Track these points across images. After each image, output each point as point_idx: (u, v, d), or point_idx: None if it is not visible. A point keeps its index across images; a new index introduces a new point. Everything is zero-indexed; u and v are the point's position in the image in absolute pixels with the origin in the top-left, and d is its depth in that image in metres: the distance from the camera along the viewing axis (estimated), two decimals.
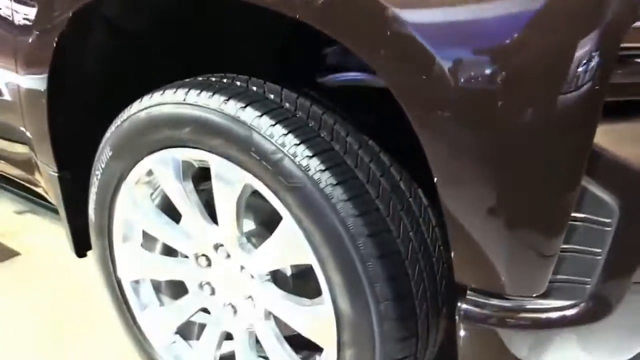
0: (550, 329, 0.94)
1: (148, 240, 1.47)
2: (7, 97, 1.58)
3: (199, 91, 1.14)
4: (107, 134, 1.35)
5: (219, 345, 1.39)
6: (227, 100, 1.10)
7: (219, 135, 1.11)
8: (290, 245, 1.10)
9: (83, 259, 1.68)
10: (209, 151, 1.15)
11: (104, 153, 1.35)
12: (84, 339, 1.79)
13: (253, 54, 1.51)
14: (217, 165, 1.15)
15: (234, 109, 1.09)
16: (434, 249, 1.12)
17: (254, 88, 1.13)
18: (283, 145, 1.04)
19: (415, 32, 0.80)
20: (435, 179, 0.86)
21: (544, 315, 0.93)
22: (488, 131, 0.81)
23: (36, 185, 1.78)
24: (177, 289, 1.53)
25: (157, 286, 1.51)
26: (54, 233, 2.19)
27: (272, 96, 1.11)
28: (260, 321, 1.28)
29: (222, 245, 1.28)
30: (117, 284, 1.50)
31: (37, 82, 1.42)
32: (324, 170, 1.03)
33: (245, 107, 1.08)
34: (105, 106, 1.38)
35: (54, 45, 1.31)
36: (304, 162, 1.03)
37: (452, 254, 0.91)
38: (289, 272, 1.29)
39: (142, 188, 1.36)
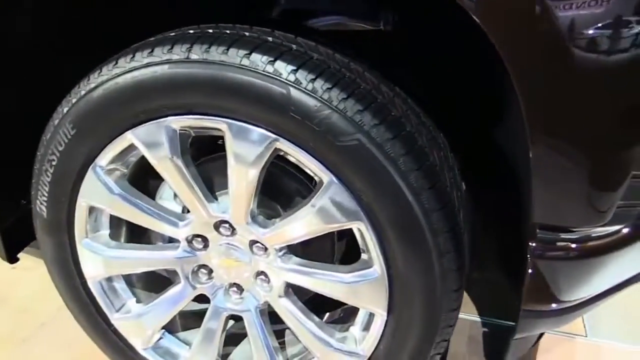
0: (606, 254, 0.99)
1: (114, 229, 1.25)
2: None
3: (206, 45, 0.96)
4: (63, 110, 1.09)
5: (224, 330, 1.25)
6: (249, 53, 0.95)
7: (240, 96, 0.95)
8: (333, 210, 1.01)
9: None
10: (224, 116, 0.98)
11: (59, 133, 1.10)
12: None
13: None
14: (237, 131, 0.99)
15: (261, 64, 0.94)
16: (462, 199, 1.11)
17: (270, 38, 0.99)
18: (330, 100, 0.93)
19: None
20: (528, 126, 0.83)
21: (602, 241, 0.97)
22: (583, 85, 0.80)
23: None
24: (154, 281, 1.35)
25: (129, 281, 1.31)
26: None
27: (294, 46, 0.98)
28: (277, 297, 1.17)
29: (225, 222, 1.13)
30: (81, 286, 1.26)
31: None
32: (378, 125, 0.94)
33: (275, 60, 0.94)
34: None
35: None
36: (357, 117, 0.93)
37: (534, 198, 0.90)
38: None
39: (116, 168, 1.14)
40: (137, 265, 1.23)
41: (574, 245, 0.95)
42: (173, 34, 1.03)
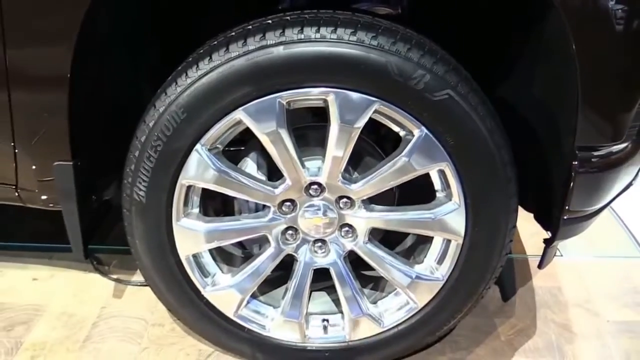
0: (620, 166, 1.31)
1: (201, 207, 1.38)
2: None
3: (316, 27, 1.15)
4: (169, 97, 1.20)
5: (310, 285, 1.42)
6: (354, 32, 1.14)
7: (349, 67, 1.15)
8: (423, 157, 1.23)
9: None
10: (331, 86, 1.17)
11: (166, 119, 1.21)
12: None
13: None
14: (343, 99, 1.18)
15: (367, 39, 1.14)
16: None
17: (360, 19, 1.19)
18: (424, 64, 1.16)
19: None
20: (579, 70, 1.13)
21: (618, 156, 1.30)
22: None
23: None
24: (230, 255, 1.48)
25: (213, 256, 1.43)
26: None
27: (383, 24, 1.18)
28: (363, 243, 1.37)
29: (315, 184, 1.31)
30: (175, 264, 1.36)
31: None
32: (459, 81, 1.18)
33: (377, 36, 1.15)
34: None
35: None
36: (446, 77, 1.17)
37: (579, 125, 1.19)
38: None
39: (216, 146, 1.27)
40: (231, 236, 1.36)
41: (602, 160, 1.27)
42: (273, 20, 1.19)
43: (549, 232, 1.43)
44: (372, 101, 1.18)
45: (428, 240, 1.40)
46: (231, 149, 1.41)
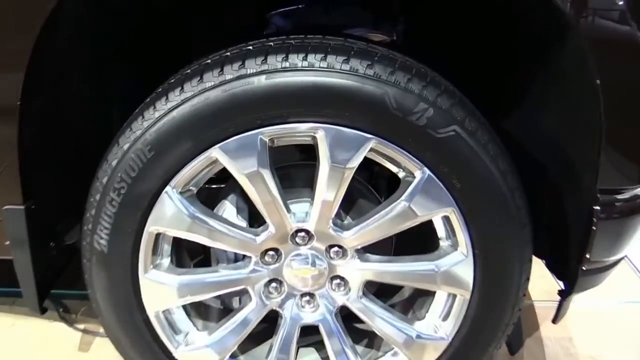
0: None
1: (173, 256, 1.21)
2: None
3: (303, 54, 1.00)
4: (136, 132, 1.05)
5: (297, 342, 1.25)
6: (347, 59, 1.00)
7: (341, 99, 1.00)
8: (425, 202, 1.08)
9: None
10: (321, 122, 1.02)
11: (131, 158, 1.05)
12: None
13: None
14: (334, 135, 1.03)
15: (361, 67, 1.00)
16: None
17: (353, 46, 1.05)
18: (426, 97, 1.01)
19: None
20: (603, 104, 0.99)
21: None
22: None
23: None
24: (208, 308, 1.32)
25: (187, 311, 1.26)
26: None
27: (379, 51, 1.05)
28: (357, 297, 1.21)
29: (302, 231, 1.15)
30: (143, 322, 1.19)
31: None
32: (466, 116, 1.04)
33: (372, 64, 1.00)
34: None
35: None
36: (451, 111, 1.02)
37: (601, 166, 1.05)
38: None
39: (189, 189, 1.11)
40: (206, 290, 1.19)
41: (627, 205, 1.12)
42: (255, 46, 1.05)
43: (561, 282, 1.28)
44: (367, 138, 1.04)
45: (430, 292, 1.24)
46: (212, 186, 1.27)
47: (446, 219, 1.12)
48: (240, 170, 1.06)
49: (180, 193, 1.10)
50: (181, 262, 1.28)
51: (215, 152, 1.05)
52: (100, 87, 1.39)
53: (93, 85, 1.36)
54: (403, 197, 1.09)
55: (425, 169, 1.06)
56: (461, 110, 1.04)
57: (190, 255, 1.42)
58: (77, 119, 1.32)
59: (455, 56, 1.42)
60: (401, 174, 1.11)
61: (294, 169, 1.21)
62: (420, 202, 1.08)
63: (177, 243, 1.22)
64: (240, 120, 1.02)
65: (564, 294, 1.26)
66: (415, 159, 1.05)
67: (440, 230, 1.15)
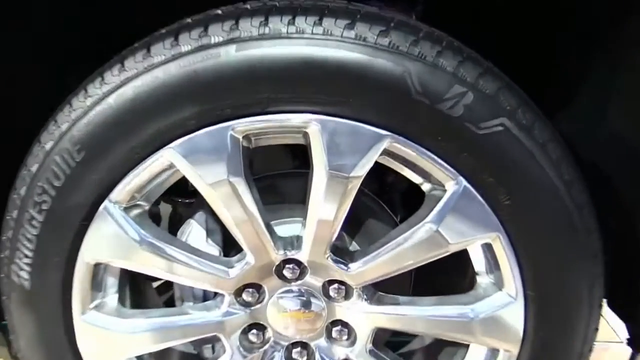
0: None
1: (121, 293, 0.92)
2: None
3: (289, 16, 0.71)
4: (62, 127, 0.76)
5: None
6: (352, 24, 0.71)
7: (343, 79, 0.71)
8: (459, 225, 0.78)
9: None
10: (315, 112, 0.73)
11: (55, 162, 0.77)
12: None
13: None
14: (333, 131, 0.74)
15: (371, 35, 0.71)
16: None
17: (360, 9, 0.76)
18: (463, 78, 0.72)
19: None
20: None
21: None
22: None
23: None
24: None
25: None
26: None
27: (394, 17, 0.75)
28: (366, 351, 0.91)
29: (291, 262, 0.86)
30: None
31: None
32: (518, 107, 0.74)
33: (387, 31, 0.71)
34: None
35: None
36: (502, 97, 0.73)
37: None
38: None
39: (137, 204, 0.82)
40: (165, 338, 0.90)
41: None
42: (223, 10, 0.76)
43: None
44: (380, 136, 0.75)
45: (460, 342, 0.93)
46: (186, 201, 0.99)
47: (487, 248, 0.83)
48: (205, 179, 0.77)
49: (125, 209, 0.81)
50: (142, 299, 1.00)
51: (168, 154, 0.76)
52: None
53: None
54: (429, 218, 0.79)
55: (461, 178, 0.77)
56: (511, 96, 0.74)
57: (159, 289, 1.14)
58: None
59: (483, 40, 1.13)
60: (426, 186, 0.82)
61: (281, 180, 0.94)
62: (452, 225, 0.79)
63: (132, 274, 0.93)
64: (202, 109, 0.73)
65: (637, 344, 0.95)
66: (447, 165, 0.76)
67: (479, 262, 0.86)
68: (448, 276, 0.96)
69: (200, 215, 0.94)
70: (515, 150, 0.74)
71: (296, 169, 0.97)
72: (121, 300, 0.92)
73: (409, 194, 0.97)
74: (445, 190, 0.78)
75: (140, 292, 1.01)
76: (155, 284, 1.14)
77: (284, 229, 0.89)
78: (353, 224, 0.92)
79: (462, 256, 0.87)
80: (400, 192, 1.00)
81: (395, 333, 0.98)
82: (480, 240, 0.81)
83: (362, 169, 0.77)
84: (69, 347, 0.89)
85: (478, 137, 0.73)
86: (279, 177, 0.95)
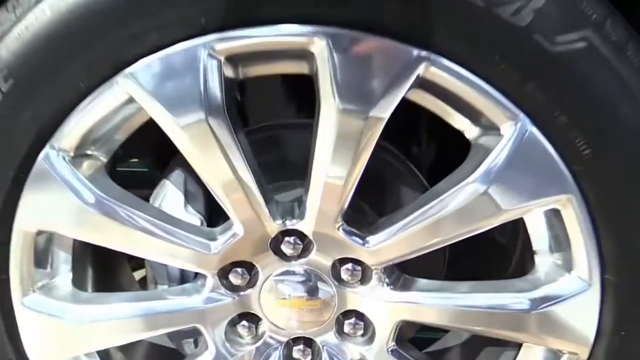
0: None
1: (78, 273, 0.74)
2: None
3: None
4: None
5: None
6: None
7: None
8: (520, 181, 0.59)
9: None
10: (321, 23, 0.53)
11: None
12: None
13: None
14: (345, 51, 0.54)
15: None
16: None
17: None
18: None
19: None
20: None
21: None
22: None
23: None
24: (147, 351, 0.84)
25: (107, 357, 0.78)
26: None
27: None
28: (387, 350, 0.71)
29: (291, 234, 0.66)
30: None
31: None
32: (606, 18, 0.56)
33: None
34: None
35: None
36: (583, 4, 0.53)
37: None
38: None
39: (89, 154, 0.63)
40: (132, 329, 0.71)
41: None
42: None
43: None
44: (412, 56, 0.55)
45: (507, 342, 0.74)
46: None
47: (554, 216, 0.62)
48: (175, 119, 0.58)
49: (73, 161, 0.62)
50: (113, 281, 0.81)
51: (124, 83, 0.57)
52: None
53: None
54: (475, 176, 0.60)
55: (524, 117, 0.56)
56: (597, 4, 0.54)
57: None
58: None
59: None
60: (473, 132, 0.63)
61: (280, 131, 0.74)
62: (507, 185, 0.59)
63: (96, 248, 0.74)
64: (167, 19, 0.54)
65: None
66: (505, 99, 0.56)
67: (539, 237, 0.65)
68: (487, 256, 0.77)
69: (177, 174, 0.75)
70: (601, 76, 0.54)
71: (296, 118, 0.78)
72: (78, 282, 0.74)
73: (444, 152, 0.78)
74: (500, 136, 0.58)
75: (109, 271, 0.84)
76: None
77: (283, 194, 0.70)
78: (373, 187, 0.73)
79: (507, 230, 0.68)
80: (434, 148, 0.80)
81: (422, 327, 0.80)
82: (545, 206, 0.61)
83: (386, 108, 0.57)
84: (8, 341, 0.71)
85: (552, 56, 0.53)
86: (279, 128, 0.75)
